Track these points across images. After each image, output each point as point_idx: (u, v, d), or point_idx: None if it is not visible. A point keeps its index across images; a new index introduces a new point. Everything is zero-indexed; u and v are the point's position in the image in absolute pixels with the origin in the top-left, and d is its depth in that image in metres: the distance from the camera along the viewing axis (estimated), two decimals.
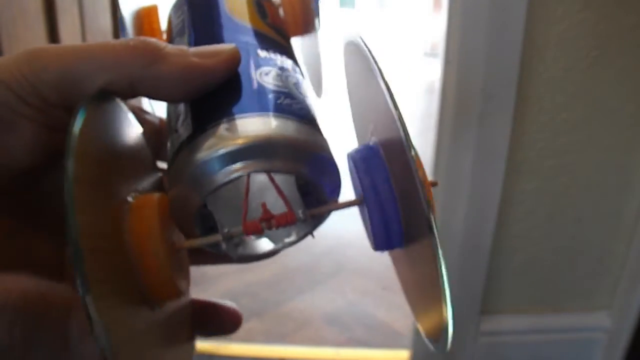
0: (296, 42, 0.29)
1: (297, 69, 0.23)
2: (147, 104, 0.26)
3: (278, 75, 0.21)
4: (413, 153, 0.16)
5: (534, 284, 0.96)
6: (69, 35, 1.28)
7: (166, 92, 0.19)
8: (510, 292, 0.97)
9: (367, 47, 0.19)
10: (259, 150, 0.18)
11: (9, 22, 1.07)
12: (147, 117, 0.24)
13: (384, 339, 1.14)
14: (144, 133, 0.22)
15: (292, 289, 1.32)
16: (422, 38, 5.24)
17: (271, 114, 0.19)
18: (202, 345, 1.12)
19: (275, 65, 0.22)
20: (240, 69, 0.21)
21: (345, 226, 1.68)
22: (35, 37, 1.17)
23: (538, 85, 0.80)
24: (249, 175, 0.19)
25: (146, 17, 0.29)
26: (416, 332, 1.01)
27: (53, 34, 1.23)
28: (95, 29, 1.41)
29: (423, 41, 5.18)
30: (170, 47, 0.19)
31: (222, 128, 0.18)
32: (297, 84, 0.22)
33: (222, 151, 0.18)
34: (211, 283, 1.33)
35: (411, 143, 0.16)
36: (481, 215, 0.88)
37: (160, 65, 0.18)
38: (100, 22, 1.44)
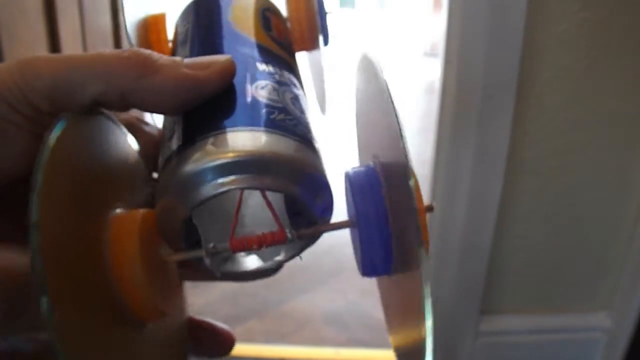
0: (302, 58, 0.28)
1: (298, 85, 0.23)
2: (148, 115, 0.26)
3: (275, 89, 0.21)
4: (412, 183, 0.16)
5: (534, 284, 0.96)
6: (69, 35, 1.29)
7: (158, 104, 0.19)
8: (510, 292, 0.97)
9: (380, 67, 0.19)
10: (248, 166, 0.18)
11: (9, 22, 1.07)
12: (146, 128, 0.24)
13: (384, 339, 1.14)
14: (142, 144, 0.22)
15: (292, 289, 1.32)
16: (422, 38, 5.23)
17: (263, 129, 0.19)
18: None
19: (273, 79, 0.21)
20: (236, 81, 0.20)
21: None
22: (35, 37, 1.17)
23: (538, 85, 0.80)
24: (242, 191, 0.18)
25: (153, 26, 0.29)
26: None
27: (53, 34, 1.23)
28: (95, 29, 1.41)
29: (423, 41, 5.18)
30: (163, 59, 0.19)
31: (212, 141, 0.18)
32: (294, 100, 0.21)
33: (209, 164, 0.18)
34: (211, 283, 1.33)
35: (412, 172, 0.16)
36: (481, 215, 0.88)
37: (152, 77, 0.18)
38: (100, 22, 1.44)
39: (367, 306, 1.25)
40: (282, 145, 0.18)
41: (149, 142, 0.23)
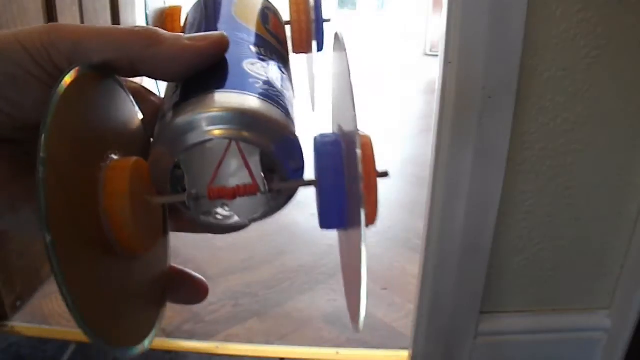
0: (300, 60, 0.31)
1: (284, 70, 0.26)
2: (154, 87, 0.28)
3: (263, 67, 0.24)
4: (359, 151, 0.18)
5: (534, 284, 0.96)
6: None
7: (162, 70, 0.22)
8: (510, 292, 0.97)
9: (345, 47, 0.22)
10: (231, 119, 0.20)
11: (9, 22, 1.07)
12: (151, 97, 0.26)
13: (384, 339, 1.14)
14: (145, 111, 0.25)
15: (292, 288, 1.32)
16: (422, 38, 5.23)
17: (248, 93, 0.21)
18: (202, 345, 1.12)
19: (263, 59, 0.25)
20: (230, 57, 0.23)
21: None
22: None
23: (538, 85, 0.80)
24: (227, 148, 0.21)
25: (169, 16, 0.33)
26: (416, 332, 1.01)
27: None
28: None
29: (423, 41, 5.18)
30: (167, 33, 0.22)
31: (202, 98, 0.21)
32: (279, 79, 0.24)
33: (195, 115, 0.20)
34: (211, 283, 1.33)
35: (368, 140, 0.19)
36: (481, 215, 0.88)
37: (158, 47, 0.21)
38: (100, 21, 1.44)
39: (367, 306, 1.25)
40: (263, 107, 0.21)
41: (152, 109, 0.25)
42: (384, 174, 0.20)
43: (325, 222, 0.21)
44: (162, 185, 0.22)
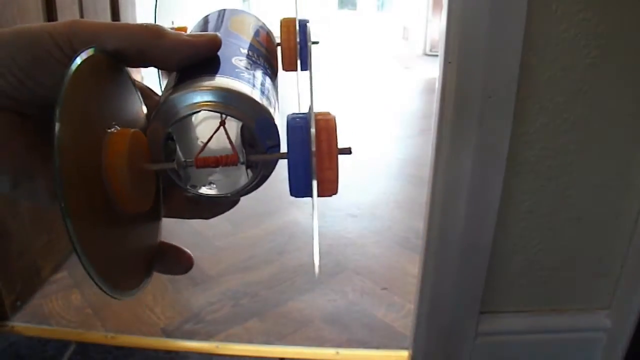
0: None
1: (269, 71, 0.30)
2: (157, 87, 0.32)
3: (249, 64, 0.28)
4: (313, 130, 0.22)
5: (534, 284, 0.96)
6: None
7: (165, 59, 0.26)
8: (510, 292, 0.97)
9: (310, 37, 0.25)
10: (219, 96, 0.24)
11: (9, 22, 1.07)
12: (155, 96, 0.30)
13: (384, 339, 1.14)
14: (149, 107, 0.28)
15: (292, 288, 1.32)
16: (422, 38, 5.24)
17: (235, 78, 0.26)
18: (202, 345, 1.12)
19: (250, 59, 0.29)
20: (222, 54, 0.28)
21: (345, 226, 1.68)
22: None
23: (538, 85, 0.80)
24: (224, 121, 0.24)
25: None
26: (416, 332, 1.01)
27: None
28: None
29: (423, 41, 5.18)
30: (170, 30, 0.26)
31: (195, 80, 0.25)
32: (263, 75, 0.28)
33: (187, 92, 0.24)
34: (211, 282, 1.33)
35: (311, 122, 0.22)
36: (481, 215, 0.88)
37: (162, 39, 0.25)
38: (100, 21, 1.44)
39: (367, 306, 1.25)
40: (247, 90, 0.25)
41: (155, 106, 0.28)
42: (347, 150, 0.23)
43: (295, 191, 0.24)
44: (157, 157, 0.25)
